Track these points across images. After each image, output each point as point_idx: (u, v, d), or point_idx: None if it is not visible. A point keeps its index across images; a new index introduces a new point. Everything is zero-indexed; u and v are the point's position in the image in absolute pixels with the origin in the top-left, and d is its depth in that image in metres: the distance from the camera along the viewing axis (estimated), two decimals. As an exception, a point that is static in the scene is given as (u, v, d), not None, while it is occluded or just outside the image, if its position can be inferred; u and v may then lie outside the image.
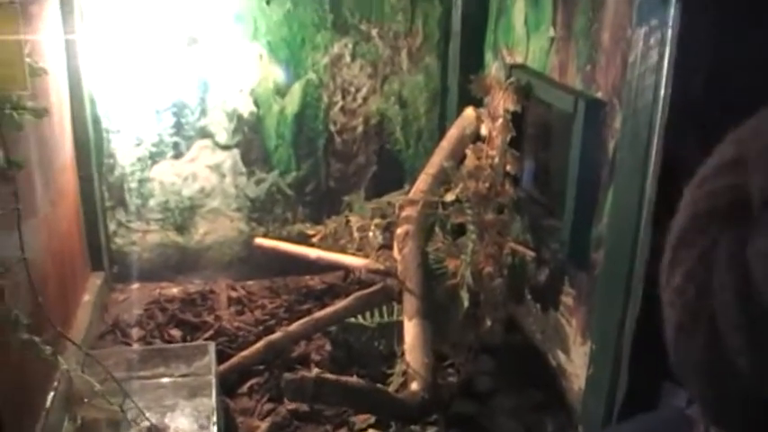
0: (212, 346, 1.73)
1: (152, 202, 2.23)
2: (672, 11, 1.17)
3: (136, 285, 2.22)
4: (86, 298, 2.01)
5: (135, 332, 2.00)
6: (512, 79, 1.89)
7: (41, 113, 1.40)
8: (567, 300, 1.71)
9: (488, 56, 2.20)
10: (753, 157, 0.43)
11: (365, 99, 2.31)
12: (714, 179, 0.46)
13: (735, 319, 0.40)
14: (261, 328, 1.98)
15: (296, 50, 2.21)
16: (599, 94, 1.60)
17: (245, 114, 2.22)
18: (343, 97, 2.29)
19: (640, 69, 1.27)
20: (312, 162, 2.30)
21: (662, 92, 1.22)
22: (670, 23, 1.17)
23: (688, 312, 0.44)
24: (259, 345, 1.81)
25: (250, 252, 2.29)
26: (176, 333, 1.97)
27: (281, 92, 2.23)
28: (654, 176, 1.21)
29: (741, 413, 0.42)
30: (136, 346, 1.92)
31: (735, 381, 0.40)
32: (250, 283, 2.23)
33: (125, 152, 2.17)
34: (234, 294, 2.14)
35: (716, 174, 0.46)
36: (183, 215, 2.25)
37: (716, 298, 0.41)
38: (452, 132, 2.11)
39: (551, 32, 1.82)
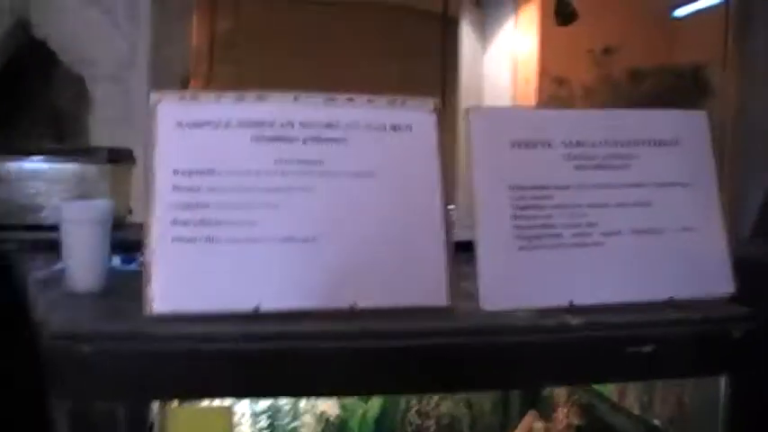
0: None
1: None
2: None
3: None
4: None
5: None
6: (575, 397, 2.19)
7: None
8: None
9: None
10: None
11: (437, 403, 2.61)
12: None
13: None
14: None
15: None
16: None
17: (332, 417, 2.52)
18: (419, 401, 2.59)
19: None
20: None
21: None
22: None
23: None
24: None
25: None
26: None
27: (364, 397, 2.54)
28: None
29: None
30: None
31: None
32: None
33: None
34: None
35: None
36: None
37: None
38: (517, 435, 2.40)
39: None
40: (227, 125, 1.35)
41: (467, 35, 4.09)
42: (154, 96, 1.34)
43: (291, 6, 4.18)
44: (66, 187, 2.39)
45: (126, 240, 1.71)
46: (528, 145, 1.43)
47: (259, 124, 1.35)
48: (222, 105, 1.36)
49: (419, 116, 1.42)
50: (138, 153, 2.93)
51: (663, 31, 5.72)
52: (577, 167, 1.45)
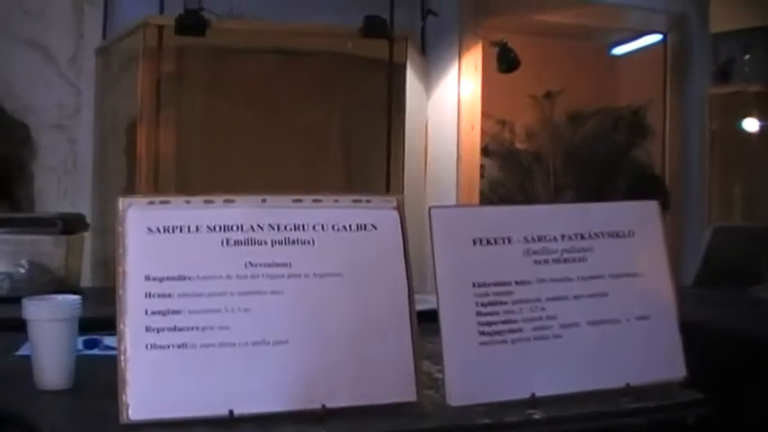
0: None
1: None
2: None
3: None
4: None
5: None
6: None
7: None
8: None
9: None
10: None
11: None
12: None
13: None
14: None
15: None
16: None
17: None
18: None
19: None
20: None
21: None
22: None
23: None
24: None
25: None
26: None
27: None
28: None
29: None
30: None
31: None
32: None
33: None
34: None
35: None
36: None
37: None
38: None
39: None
40: (198, 229, 1.37)
41: (411, 81, 4.16)
42: (123, 202, 1.36)
43: (236, 54, 4.20)
44: (20, 257, 2.39)
45: (85, 319, 1.70)
46: (489, 242, 1.48)
47: (228, 228, 1.38)
48: (191, 210, 1.39)
49: (383, 214, 1.47)
50: (85, 212, 2.94)
51: (604, 72, 5.85)
52: (536, 262, 1.50)
